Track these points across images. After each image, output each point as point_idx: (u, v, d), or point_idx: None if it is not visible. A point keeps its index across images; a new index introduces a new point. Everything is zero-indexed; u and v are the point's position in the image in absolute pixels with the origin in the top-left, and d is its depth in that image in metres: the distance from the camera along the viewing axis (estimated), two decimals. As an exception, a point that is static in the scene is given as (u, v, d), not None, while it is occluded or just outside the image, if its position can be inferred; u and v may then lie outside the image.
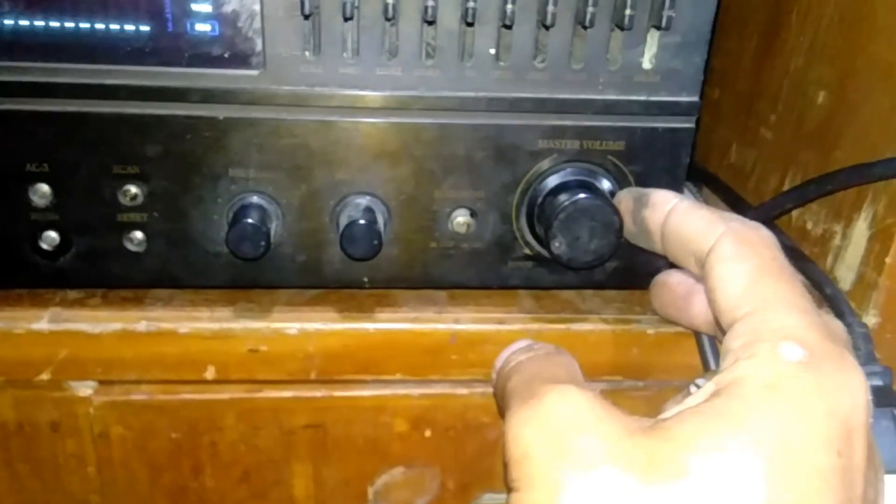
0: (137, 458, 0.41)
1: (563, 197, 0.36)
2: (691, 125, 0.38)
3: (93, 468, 0.41)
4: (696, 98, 0.37)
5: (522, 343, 0.35)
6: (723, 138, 0.55)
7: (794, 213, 0.46)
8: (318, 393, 0.40)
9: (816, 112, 0.45)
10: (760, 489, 0.23)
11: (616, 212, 0.36)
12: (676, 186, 0.38)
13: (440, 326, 0.39)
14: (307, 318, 0.39)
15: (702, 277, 0.31)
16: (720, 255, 0.30)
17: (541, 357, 0.33)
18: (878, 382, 0.35)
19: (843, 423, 0.24)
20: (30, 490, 0.41)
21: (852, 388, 0.25)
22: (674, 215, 0.33)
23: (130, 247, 0.37)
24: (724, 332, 0.29)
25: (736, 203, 0.50)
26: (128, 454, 0.41)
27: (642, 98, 0.37)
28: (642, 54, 0.36)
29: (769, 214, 0.45)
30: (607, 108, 0.37)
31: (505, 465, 0.27)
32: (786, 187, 0.47)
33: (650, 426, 0.25)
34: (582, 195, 0.36)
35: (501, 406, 0.31)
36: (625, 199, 0.36)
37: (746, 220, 0.31)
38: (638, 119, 0.37)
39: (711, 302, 0.29)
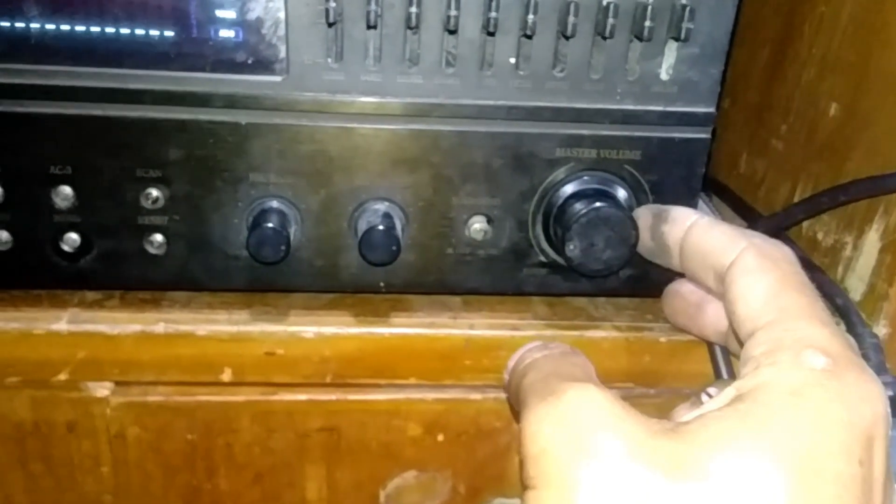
0: (152, 458, 0.41)
1: (583, 204, 0.36)
2: (707, 136, 0.38)
3: (108, 468, 0.41)
4: (712, 109, 0.38)
5: (537, 342, 0.34)
6: (733, 148, 0.56)
7: (805, 223, 0.47)
8: (333, 396, 0.41)
9: (828, 123, 0.45)
10: (781, 494, 0.23)
11: (635, 227, 0.36)
12: (692, 196, 0.39)
13: (455, 332, 0.39)
14: (323, 321, 0.39)
15: (720, 291, 0.31)
16: (742, 267, 0.30)
17: (557, 356, 0.33)
18: (889, 393, 0.35)
19: (864, 433, 0.24)
20: (44, 490, 0.41)
21: (873, 398, 0.25)
22: (694, 230, 0.33)
23: (151, 249, 0.38)
24: (740, 344, 0.29)
25: (746, 213, 0.51)
26: (143, 455, 0.41)
27: (659, 108, 0.37)
28: (660, 65, 0.37)
29: (781, 225, 0.46)
30: (624, 118, 0.37)
31: (521, 463, 0.26)
32: (796, 198, 0.48)
33: (671, 428, 0.25)
34: (606, 204, 0.36)
35: (515, 404, 0.31)
36: (643, 215, 0.36)
37: (767, 237, 0.31)
38: (654, 129, 0.38)
39: (731, 314, 0.30)
